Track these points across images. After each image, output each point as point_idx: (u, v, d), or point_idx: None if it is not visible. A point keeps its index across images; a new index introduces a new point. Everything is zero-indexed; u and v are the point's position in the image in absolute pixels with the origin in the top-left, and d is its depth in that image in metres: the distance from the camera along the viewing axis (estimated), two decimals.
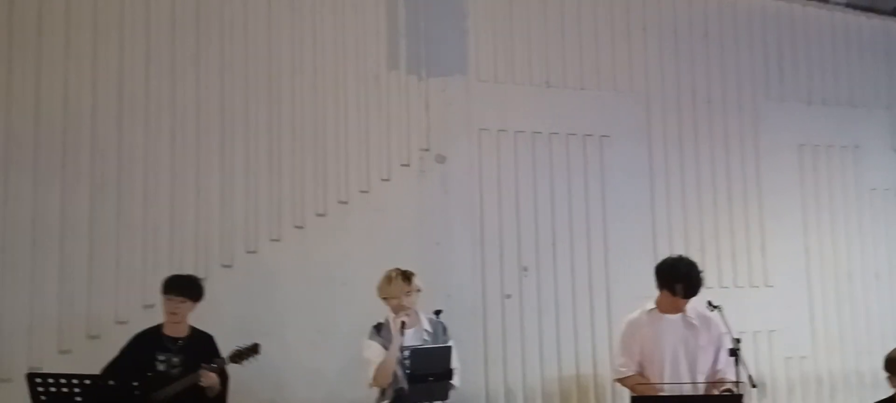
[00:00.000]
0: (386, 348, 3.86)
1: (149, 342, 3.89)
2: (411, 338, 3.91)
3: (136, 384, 3.40)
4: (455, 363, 3.99)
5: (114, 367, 3.81)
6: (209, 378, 3.72)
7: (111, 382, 3.43)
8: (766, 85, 5.71)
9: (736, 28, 5.71)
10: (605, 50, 5.40)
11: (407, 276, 3.96)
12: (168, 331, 3.92)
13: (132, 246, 4.47)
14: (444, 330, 4.04)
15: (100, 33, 4.53)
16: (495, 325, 4.97)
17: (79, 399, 3.38)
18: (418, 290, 3.98)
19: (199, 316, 4.12)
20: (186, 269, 4.50)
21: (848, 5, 5.91)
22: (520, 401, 4.98)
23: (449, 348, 3.75)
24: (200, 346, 3.86)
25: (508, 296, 5.02)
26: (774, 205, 5.58)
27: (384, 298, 3.97)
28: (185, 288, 3.93)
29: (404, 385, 3.75)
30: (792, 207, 5.62)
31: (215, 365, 3.75)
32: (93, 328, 4.36)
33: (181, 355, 3.83)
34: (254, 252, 4.64)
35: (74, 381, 3.39)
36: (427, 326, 3.99)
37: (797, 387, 5.48)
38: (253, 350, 3.85)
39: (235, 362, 3.83)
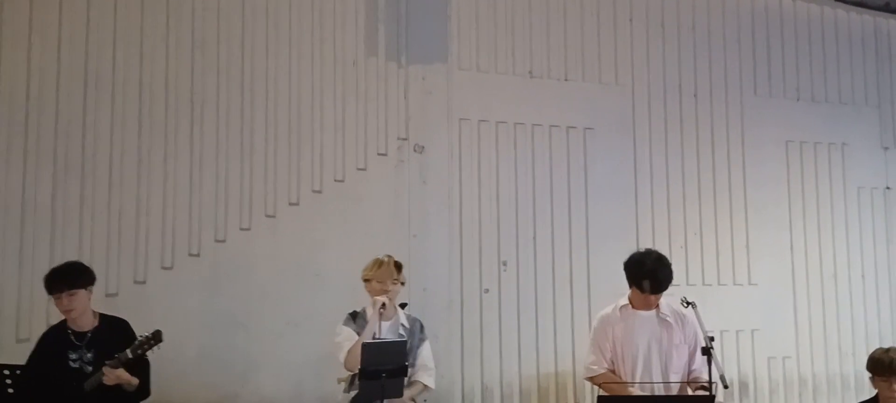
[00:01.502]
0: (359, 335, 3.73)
1: (55, 341, 3.58)
2: (387, 331, 3.78)
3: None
4: (430, 363, 3.89)
5: (28, 370, 3.46)
6: (112, 375, 3.36)
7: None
8: (754, 80, 5.61)
9: (724, 22, 5.61)
10: (591, 41, 5.29)
11: (398, 266, 3.86)
12: (73, 326, 3.58)
13: (96, 232, 4.34)
14: (422, 328, 3.93)
15: (65, 8, 4.39)
16: (473, 320, 4.85)
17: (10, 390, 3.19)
18: (403, 283, 3.89)
19: (166, 307, 4.00)
20: (153, 257, 4.40)
21: (837, 0, 5.82)
22: (497, 398, 4.86)
23: (404, 342, 3.61)
24: (113, 334, 3.54)
25: (487, 291, 4.90)
26: (760, 203, 5.48)
27: (367, 280, 3.82)
28: (67, 279, 3.52)
29: None
30: (778, 205, 5.53)
31: (117, 360, 3.40)
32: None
33: (93, 348, 3.51)
34: (223, 240, 4.51)
35: (6, 372, 3.20)
36: (404, 321, 3.87)
37: (780, 388, 5.39)
38: (154, 338, 3.45)
39: (137, 354, 3.43)
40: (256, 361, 4.44)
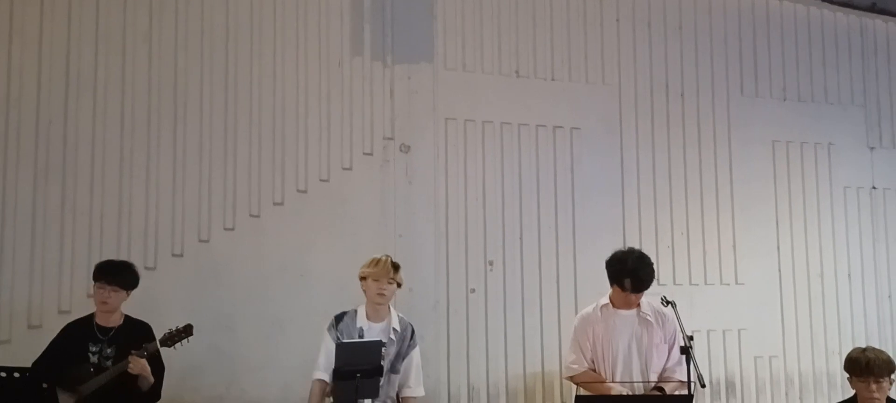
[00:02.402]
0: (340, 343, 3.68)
1: (80, 332, 3.70)
2: (378, 333, 3.75)
3: (45, 386, 3.22)
4: (420, 373, 3.85)
5: (43, 360, 3.63)
6: (138, 364, 3.50)
7: (44, 384, 3.23)
8: (740, 80, 5.61)
9: (711, 21, 5.60)
10: (577, 40, 5.28)
11: (396, 266, 3.82)
12: (100, 321, 3.72)
13: (78, 233, 4.30)
14: (413, 333, 3.88)
15: (47, 7, 4.34)
16: (459, 320, 4.83)
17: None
18: (399, 285, 3.85)
19: (148, 308, 3.95)
20: (135, 257, 4.34)
21: (824, 0, 5.83)
22: (483, 398, 4.84)
23: (378, 342, 3.57)
24: (135, 335, 3.66)
25: (473, 291, 4.88)
26: (747, 202, 5.48)
27: (363, 278, 3.79)
28: (117, 275, 3.71)
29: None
30: (764, 204, 5.53)
31: (145, 352, 3.53)
32: (34, 317, 4.18)
33: (114, 345, 3.63)
34: (206, 241, 4.47)
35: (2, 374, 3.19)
36: (396, 325, 3.83)
37: (767, 387, 5.39)
38: (186, 331, 3.64)
39: (167, 345, 3.62)
40: (241, 363, 4.41)
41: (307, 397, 3.77)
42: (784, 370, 5.43)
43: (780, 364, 5.44)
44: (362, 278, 3.81)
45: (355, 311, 3.83)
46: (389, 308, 3.86)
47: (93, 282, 3.75)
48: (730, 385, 5.29)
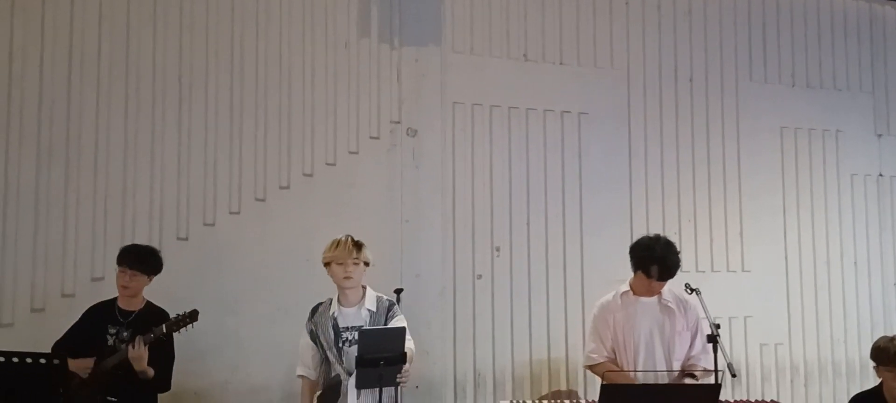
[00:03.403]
0: (315, 335, 3.61)
1: (101, 314, 3.71)
2: (351, 317, 3.60)
3: (56, 362, 3.17)
4: (408, 344, 3.59)
5: (66, 340, 3.64)
6: (135, 353, 3.45)
7: (56, 360, 3.19)
8: (750, 66, 5.56)
9: (720, 6, 5.55)
10: (586, 24, 5.22)
11: (358, 244, 3.62)
12: (122, 304, 3.74)
13: (81, 216, 4.25)
14: (390, 307, 3.66)
15: None
16: (466, 306, 4.80)
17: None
18: (366, 263, 3.63)
19: (153, 291, 3.89)
20: (140, 241, 4.29)
21: None
22: (489, 385, 4.82)
23: (403, 329, 3.46)
24: (151, 321, 3.63)
25: (480, 277, 4.85)
26: (754, 189, 5.45)
27: (328, 263, 3.62)
28: (140, 260, 3.71)
29: (339, 371, 3.52)
30: (772, 191, 5.50)
31: (152, 336, 3.50)
32: (37, 300, 4.14)
33: (132, 329, 3.60)
34: (212, 224, 4.43)
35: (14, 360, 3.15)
36: (371, 306, 3.64)
37: (772, 374, 5.38)
38: (191, 317, 3.59)
39: (172, 330, 3.59)
40: (247, 347, 4.38)
41: None
42: (790, 357, 5.43)
43: (786, 351, 5.43)
44: (326, 264, 3.62)
45: (330, 301, 3.69)
46: (363, 288, 3.68)
47: (116, 266, 3.74)
48: (737, 374, 5.27)
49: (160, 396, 3.78)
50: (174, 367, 3.76)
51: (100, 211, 4.27)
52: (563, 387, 4.93)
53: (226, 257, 4.40)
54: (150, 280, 3.78)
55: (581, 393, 4.86)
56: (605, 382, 3.52)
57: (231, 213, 4.45)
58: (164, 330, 3.55)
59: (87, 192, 4.26)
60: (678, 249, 3.74)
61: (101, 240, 4.22)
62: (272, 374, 4.39)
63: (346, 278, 3.57)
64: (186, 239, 4.37)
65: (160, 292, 4.00)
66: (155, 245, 4.28)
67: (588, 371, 4.13)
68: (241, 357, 4.38)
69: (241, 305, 4.39)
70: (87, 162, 4.27)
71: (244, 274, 4.41)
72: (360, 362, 3.25)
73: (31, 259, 4.15)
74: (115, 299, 3.76)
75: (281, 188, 4.54)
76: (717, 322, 3.48)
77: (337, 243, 3.61)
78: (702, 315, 3.65)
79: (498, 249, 4.90)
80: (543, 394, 4.86)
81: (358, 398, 3.44)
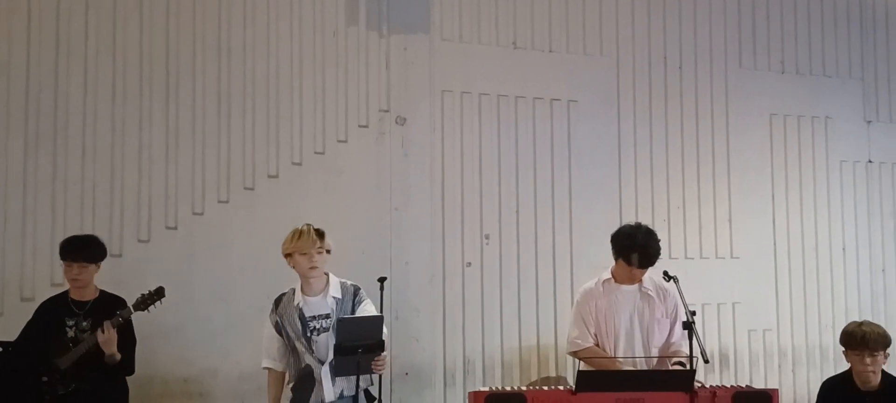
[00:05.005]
0: (280, 327, 3.61)
1: (56, 308, 3.72)
2: (315, 306, 3.59)
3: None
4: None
5: (22, 339, 3.65)
6: (105, 337, 3.49)
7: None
8: (739, 52, 5.56)
9: None
10: (575, 11, 5.21)
11: (320, 233, 3.59)
12: (74, 295, 3.75)
13: (70, 204, 4.25)
14: (356, 292, 3.62)
15: None
16: (455, 294, 4.82)
17: None
18: (328, 251, 3.59)
19: (141, 281, 3.92)
20: (128, 229, 4.33)
21: None
22: (478, 372, 4.84)
23: (380, 317, 3.48)
24: (111, 308, 3.64)
25: (469, 264, 4.87)
26: (743, 176, 5.46)
27: (289, 255, 3.56)
28: (82, 251, 3.71)
29: (310, 361, 3.53)
30: (761, 177, 5.51)
31: (120, 318, 3.54)
32: (26, 289, 4.14)
33: (90, 318, 3.63)
34: (200, 213, 4.43)
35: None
36: (336, 293, 3.60)
37: (760, 360, 5.42)
38: (158, 294, 3.64)
39: (140, 309, 3.61)
40: (236, 336, 4.38)
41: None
42: (777, 343, 5.46)
43: (774, 337, 5.46)
44: (288, 255, 3.59)
45: (293, 291, 3.67)
46: (327, 276, 3.64)
47: (61, 261, 3.73)
48: (723, 358, 5.31)
49: (152, 385, 3.80)
50: (163, 355, 3.80)
51: (88, 200, 4.27)
52: (552, 374, 4.96)
53: (215, 246, 4.41)
54: (99, 267, 3.77)
55: (570, 379, 4.88)
56: (583, 367, 3.56)
57: (220, 202, 4.46)
58: (132, 311, 3.58)
59: (76, 180, 4.26)
60: (659, 237, 3.76)
61: (90, 229, 4.18)
62: (260, 362, 4.38)
63: (312, 267, 3.55)
64: (175, 227, 4.38)
65: (148, 281, 4.00)
66: (144, 234, 4.35)
67: (573, 358, 4.15)
68: (231, 344, 4.39)
69: (231, 293, 4.40)
70: (75, 150, 4.27)
71: (233, 263, 4.42)
72: (339, 350, 3.26)
73: (19, 247, 4.17)
74: (66, 292, 3.78)
75: (269, 177, 4.55)
76: (693, 309, 3.50)
77: (299, 233, 3.58)
78: (680, 302, 3.68)
79: (487, 237, 4.91)
80: (533, 380, 4.89)
81: (333, 385, 3.45)
